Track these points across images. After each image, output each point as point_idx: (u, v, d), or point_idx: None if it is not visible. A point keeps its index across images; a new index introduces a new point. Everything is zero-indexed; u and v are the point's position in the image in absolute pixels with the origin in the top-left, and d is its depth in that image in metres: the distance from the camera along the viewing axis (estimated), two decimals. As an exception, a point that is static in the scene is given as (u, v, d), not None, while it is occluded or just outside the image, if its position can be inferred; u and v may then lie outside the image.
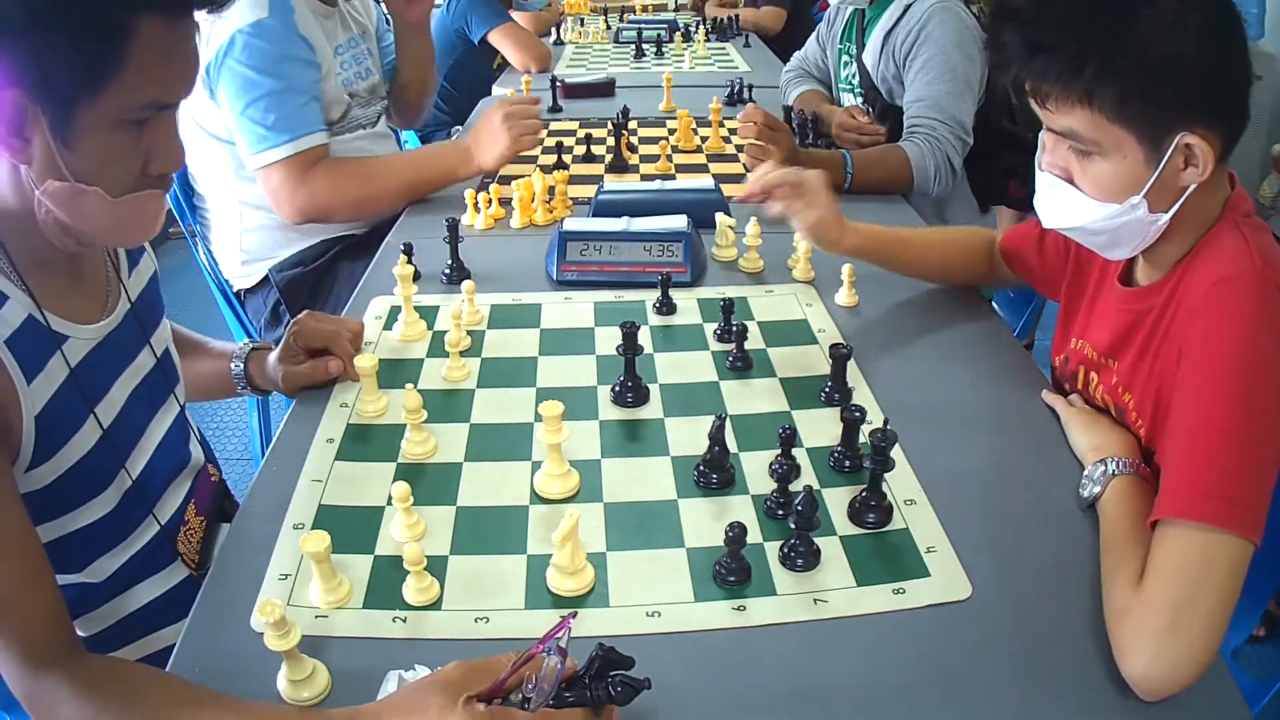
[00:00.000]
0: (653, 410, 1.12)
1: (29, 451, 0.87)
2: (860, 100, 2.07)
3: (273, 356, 1.18)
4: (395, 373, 1.18)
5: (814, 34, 2.30)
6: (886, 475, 0.93)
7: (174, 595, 1.04)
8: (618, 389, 1.14)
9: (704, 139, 2.08)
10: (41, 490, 0.90)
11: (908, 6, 1.90)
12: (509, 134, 1.72)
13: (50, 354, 0.89)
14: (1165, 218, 0.89)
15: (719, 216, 1.50)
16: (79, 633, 0.99)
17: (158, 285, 1.11)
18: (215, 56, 1.62)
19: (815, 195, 1.26)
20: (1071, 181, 0.93)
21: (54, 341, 0.89)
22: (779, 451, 0.96)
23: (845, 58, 2.14)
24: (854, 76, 2.10)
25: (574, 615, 0.69)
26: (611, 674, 0.68)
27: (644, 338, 1.26)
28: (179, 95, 0.85)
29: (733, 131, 2.10)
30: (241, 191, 1.76)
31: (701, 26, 3.37)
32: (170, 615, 1.03)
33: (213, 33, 1.63)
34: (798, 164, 1.52)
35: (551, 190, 1.68)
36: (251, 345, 1.22)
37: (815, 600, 0.84)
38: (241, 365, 1.20)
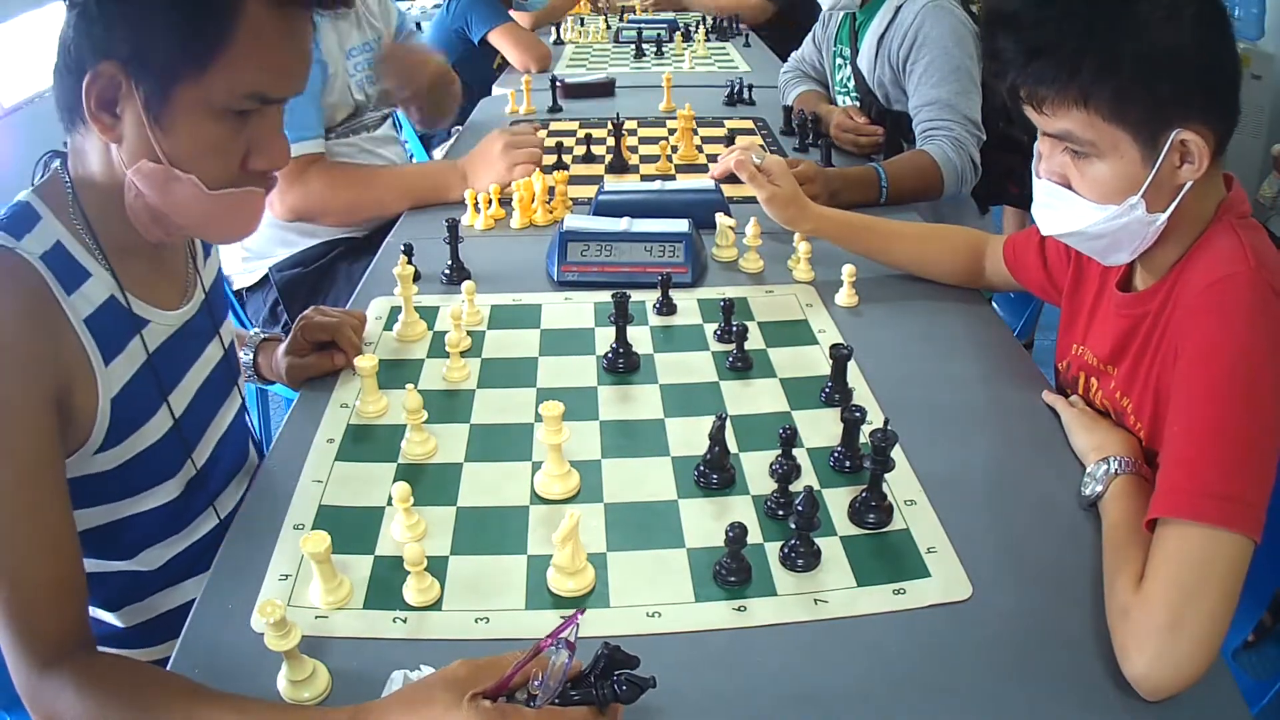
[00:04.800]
0: (653, 410, 1.12)
1: (101, 433, 0.86)
2: (856, 104, 2.07)
3: (280, 349, 1.18)
4: (395, 373, 1.18)
5: (810, 35, 2.29)
6: (887, 475, 0.93)
7: None
8: (610, 356, 1.18)
9: (705, 139, 2.08)
10: (108, 473, 0.89)
11: (898, 8, 1.89)
12: (505, 162, 1.72)
13: (130, 337, 0.88)
14: (1163, 217, 0.90)
15: (719, 217, 1.50)
16: (119, 624, 1.00)
17: (223, 277, 1.11)
18: None
19: (774, 176, 1.36)
20: (1069, 186, 0.93)
21: (134, 325, 0.89)
22: (779, 452, 0.96)
23: (839, 61, 2.14)
24: (848, 80, 2.10)
25: (582, 612, 0.69)
26: (617, 673, 0.68)
27: (644, 338, 1.26)
28: (286, 91, 0.82)
29: (706, 140, 2.10)
30: None
31: (701, 26, 3.37)
32: None
33: None
34: (830, 183, 1.60)
35: (551, 190, 1.68)
36: (262, 336, 1.23)
37: (816, 600, 0.84)
38: (251, 355, 1.21)
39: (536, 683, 0.67)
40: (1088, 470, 0.96)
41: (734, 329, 1.21)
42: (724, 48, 3.26)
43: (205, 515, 1.02)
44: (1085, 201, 0.92)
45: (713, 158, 1.97)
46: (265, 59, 0.78)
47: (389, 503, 0.95)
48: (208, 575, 0.88)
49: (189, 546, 1.01)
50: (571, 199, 1.71)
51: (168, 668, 0.78)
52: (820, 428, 1.07)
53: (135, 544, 0.97)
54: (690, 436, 1.05)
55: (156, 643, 1.02)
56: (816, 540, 0.88)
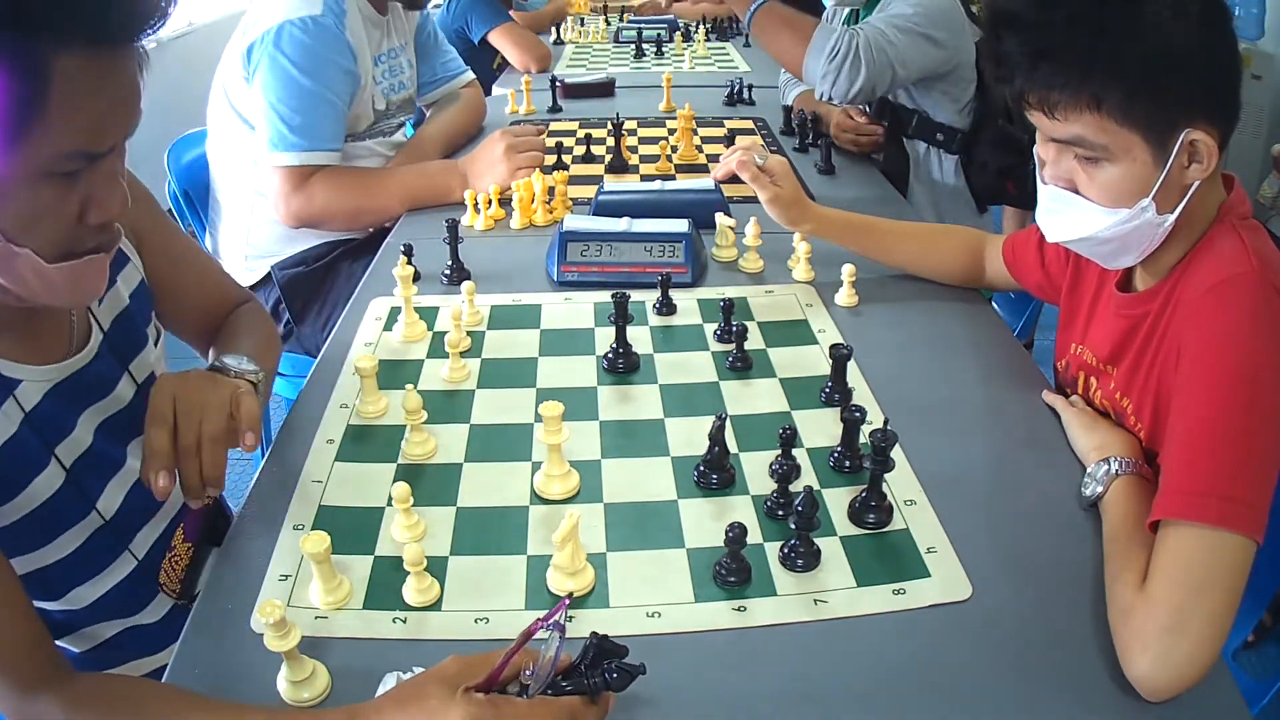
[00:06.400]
0: (653, 410, 1.12)
1: None
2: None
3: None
4: (395, 373, 1.18)
5: None
6: (886, 475, 0.93)
7: (162, 623, 1.01)
8: (610, 356, 1.18)
9: (705, 139, 2.08)
10: (6, 528, 0.86)
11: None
12: (507, 165, 1.72)
13: (1, 401, 0.85)
14: (1172, 218, 0.89)
15: (719, 217, 1.50)
16: (71, 649, 0.98)
17: (144, 299, 1.04)
18: (260, 40, 1.61)
19: (777, 176, 1.36)
20: (1076, 191, 0.92)
21: (4, 387, 0.85)
22: (779, 452, 0.96)
23: None
24: None
25: (570, 597, 0.68)
26: (606, 661, 0.69)
27: (644, 338, 1.26)
28: (112, 141, 0.77)
29: (706, 140, 2.10)
30: (259, 180, 1.75)
31: (701, 26, 3.37)
32: (161, 641, 1.00)
33: (259, 17, 1.63)
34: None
35: (551, 191, 1.68)
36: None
37: (815, 601, 0.84)
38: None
39: (528, 673, 0.68)
40: (1088, 470, 0.96)
41: (734, 329, 1.21)
42: (724, 48, 3.25)
43: (122, 559, 0.98)
44: (1095, 206, 0.91)
45: (713, 158, 1.97)
46: (85, 116, 0.72)
47: (389, 503, 0.95)
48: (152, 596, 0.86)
49: (111, 589, 0.97)
50: (571, 199, 1.71)
51: (167, 669, 0.78)
52: (820, 428, 1.07)
53: (59, 587, 0.94)
54: (690, 436, 1.05)
55: (116, 664, 1.00)
56: (816, 540, 0.88)
